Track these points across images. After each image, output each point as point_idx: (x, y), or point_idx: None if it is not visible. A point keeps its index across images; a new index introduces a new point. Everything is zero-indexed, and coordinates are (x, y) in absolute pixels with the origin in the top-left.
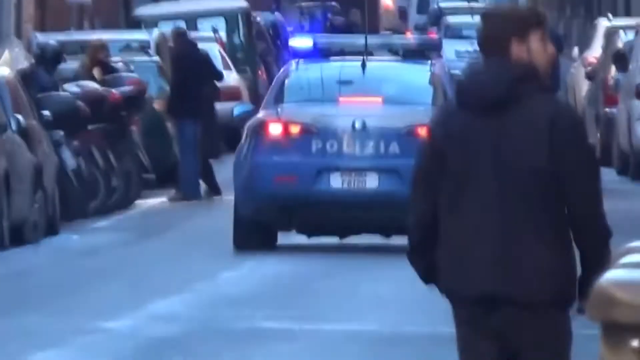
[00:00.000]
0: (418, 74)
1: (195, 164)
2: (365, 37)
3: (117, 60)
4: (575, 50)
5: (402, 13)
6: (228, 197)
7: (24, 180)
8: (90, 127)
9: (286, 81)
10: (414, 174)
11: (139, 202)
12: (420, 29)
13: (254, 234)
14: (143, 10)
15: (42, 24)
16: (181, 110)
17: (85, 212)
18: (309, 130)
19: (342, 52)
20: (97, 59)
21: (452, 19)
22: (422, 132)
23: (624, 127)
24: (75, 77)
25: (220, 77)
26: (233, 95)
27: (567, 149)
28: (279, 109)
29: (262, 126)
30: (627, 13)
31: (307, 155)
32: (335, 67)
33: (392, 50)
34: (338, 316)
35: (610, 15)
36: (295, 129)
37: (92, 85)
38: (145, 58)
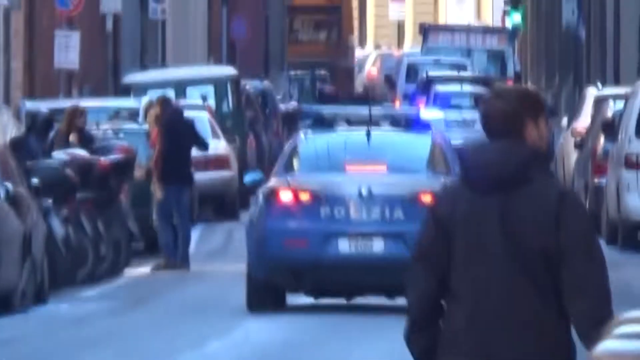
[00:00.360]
0: (420, 143)
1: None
2: (370, 109)
3: (105, 128)
4: (565, 119)
5: (390, 81)
6: (215, 266)
7: (12, 248)
8: (78, 195)
9: (295, 151)
10: (416, 252)
11: (127, 270)
12: (409, 98)
13: (265, 296)
14: (132, 78)
15: (30, 90)
16: (177, 177)
17: (73, 281)
18: (317, 197)
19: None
20: (74, 124)
21: (441, 88)
22: (426, 198)
23: (613, 197)
24: (51, 143)
25: (206, 147)
26: (221, 163)
27: (571, 231)
28: (289, 177)
29: (273, 193)
30: (617, 81)
31: (316, 221)
32: (341, 137)
33: (394, 122)
34: None
35: (599, 83)
36: (304, 196)
37: (80, 153)
38: (134, 126)
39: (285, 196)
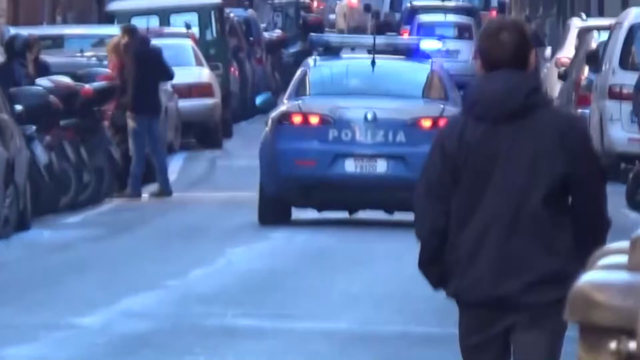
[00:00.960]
0: (420, 71)
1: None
2: (374, 38)
3: (90, 55)
4: (548, 50)
5: (371, 11)
6: (198, 194)
7: None
8: (62, 122)
9: (305, 77)
10: (424, 185)
11: (110, 198)
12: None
13: (275, 211)
14: (116, 5)
15: (14, 18)
16: (149, 107)
17: (56, 208)
18: (326, 120)
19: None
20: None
21: (425, 18)
22: (425, 123)
23: (596, 128)
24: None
25: (171, 77)
26: (205, 91)
27: (578, 155)
28: (300, 102)
29: (285, 116)
30: (601, 13)
31: (325, 143)
32: (348, 64)
33: (397, 51)
34: (310, 314)
35: (583, 15)
36: (314, 120)
37: (64, 79)
38: None
39: (297, 119)
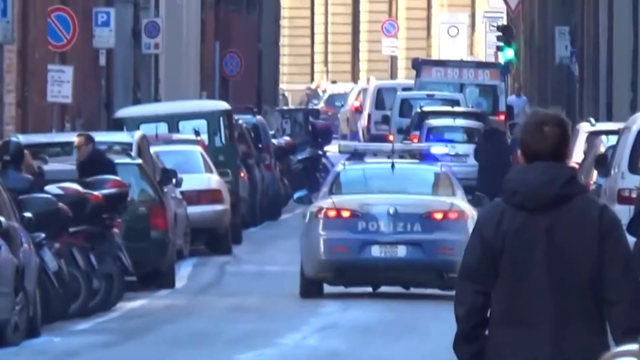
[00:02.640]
0: (431, 173)
1: None
2: (393, 145)
3: None
4: None
5: (358, 111)
6: (207, 300)
7: (5, 282)
8: (71, 229)
9: (337, 178)
10: (464, 271)
11: (120, 304)
12: (403, 132)
13: (312, 288)
14: (124, 112)
15: (23, 125)
16: None
17: (66, 314)
18: (355, 214)
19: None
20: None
21: (434, 122)
22: (437, 216)
23: None
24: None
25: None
26: (214, 197)
27: (611, 245)
28: (333, 199)
29: (321, 211)
30: (609, 118)
31: (355, 233)
32: (372, 167)
33: (411, 155)
34: None
35: (592, 119)
36: (346, 214)
37: (73, 186)
38: (127, 160)
39: (331, 213)
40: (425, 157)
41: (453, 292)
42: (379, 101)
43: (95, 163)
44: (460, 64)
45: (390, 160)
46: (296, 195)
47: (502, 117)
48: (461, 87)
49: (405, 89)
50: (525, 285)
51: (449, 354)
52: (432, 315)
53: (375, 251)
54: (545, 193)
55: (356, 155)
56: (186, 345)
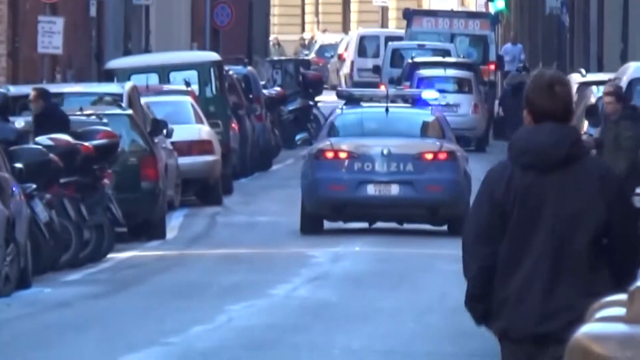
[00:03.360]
0: (422, 116)
1: None
2: (387, 91)
3: (89, 113)
4: None
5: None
6: (198, 251)
7: None
8: (62, 179)
9: (334, 121)
10: (473, 228)
11: (111, 255)
12: (395, 82)
13: (312, 223)
14: (115, 63)
15: (14, 76)
16: None
17: (57, 265)
18: (352, 155)
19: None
20: None
21: (425, 73)
22: (427, 156)
23: None
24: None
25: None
26: (205, 148)
27: (614, 200)
28: (331, 141)
29: (320, 152)
30: (600, 68)
31: (352, 172)
32: (367, 111)
33: (404, 100)
34: None
35: (583, 70)
36: (343, 155)
37: (64, 137)
38: (118, 111)
39: (329, 154)
40: (417, 102)
41: (444, 228)
42: (362, 49)
43: (49, 117)
44: (451, 14)
45: (384, 105)
46: (298, 136)
47: (493, 67)
48: (452, 37)
49: (388, 37)
50: (530, 243)
51: (440, 304)
52: (423, 267)
53: (371, 189)
54: (554, 153)
55: (352, 100)
56: (177, 296)
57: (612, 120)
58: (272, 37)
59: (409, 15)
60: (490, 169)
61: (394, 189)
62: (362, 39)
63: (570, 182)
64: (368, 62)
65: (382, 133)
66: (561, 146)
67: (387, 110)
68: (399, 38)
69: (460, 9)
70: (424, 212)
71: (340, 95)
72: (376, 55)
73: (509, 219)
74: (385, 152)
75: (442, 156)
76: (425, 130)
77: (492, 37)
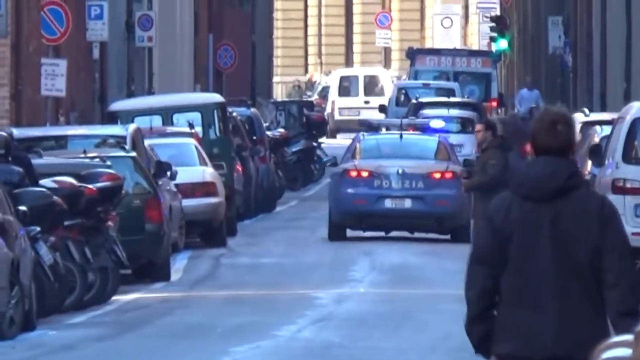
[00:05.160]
0: (431, 142)
1: None
2: (401, 121)
3: (93, 156)
4: None
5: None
6: (202, 293)
7: (0, 276)
8: (66, 222)
9: (357, 145)
10: (475, 256)
11: (115, 297)
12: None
13: (338, 232)
14: (118, 105)
15: (17, 118)
16: None
17: (61, 308)
18: (372, 174)
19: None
20: None
21: (429, 113)
22: (436, 175)
23: None
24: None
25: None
26: (208, 190)
27: (610, 232)
28: (355, 162)
29: (346, 172)
30: (603, 108)
31: (372, 189)
32: (385, 137)
33: (416, 128)
34: None
35: (586, 110)
36: (365, 174)
37: (68, 180)
38: (121, 153)
39: (353, 174)
40: (426, 130)
41: (448, 237)
42: (342, 89)
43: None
44: (454, 53)
45: (399, 132)
46: (325, 159)
47: (494, 104)
48: (455, 75)
49: (366, 77)
50: (531, 270)
51: (444, 345)
52: (427, 307)
53: (388, 203)
54: (549, 185)
55: (372, 128)
56: (182, 337)
57: (481, 148)
58: (293, 79)
59: (412, 54)
60: (494, 199)
61: (407, 203)
62: (342, 80)
63: (567, 211)
64: (348, 101)
65: (397, 156)
66: (557, 178)
67: (401, 136)
68: (374, 77)
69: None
70: (432, 222)
71: (361, 124)
72: (356, 94)
73: (507, 246)
74: (400, 171)
75: (448, 175)
76: (433, 153)
77: (494, 74)
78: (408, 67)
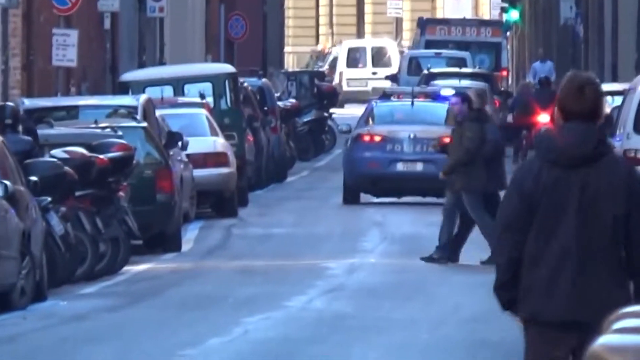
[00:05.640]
0: (441, 109)
1: None
2: (412, 88)
3: (104, 126)
4: None
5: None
6: (214, 263)
7: (11, 246)
8: (77, 192)
9: (371, 111)
10: (503, 219)
11: (127, 268)
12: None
13: (352, 195)
14: (130, 76)
15: (28, 89)
16: None
17: (72, 278)
18: (385, 138)
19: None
20: None
21: (440, 83)
22: (446, 140)
23: None
24: None
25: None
26: (220, 160)
27: (635, 195)
28: (368, 127)
29: (359, 136)
30: (614, 78)
31: (385, 152)
32: (397, 104)
33: (427, 95)
34: None
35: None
36: (378, 138)
37: (79, 150)
38: (132, 123)
39: (367, 138)
40: (436, 97)
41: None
42: (350, 60)
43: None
44: (463, 22)
45: (410, 99)
46: (340, 126)
47: (505, 73)
48: (466, 44)
49: (374, 48)
50: (555, 234)
51: (454, 315)
52: (437, 278)
53: (400, 167)
54: (578, 152)
55: (385, 96)
56: (193, 308)
57: (457, 121)
58: (310, 49)
59: (422, 23)
60: (519, 165)
61: (419, 166)
62: (350, 51)
63: (595, 177)
64: (356, 72)
65: (409, 121)
66: (586, 144)
67: (412, 103)
68: (382, 49)
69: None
70: (442, 185)
71: (374, 92)
72: (364, 65)
73: (535, 212)
74: (411, 136)
75: None
76: (443, 119)
77: (504, 44)
78: (418, 36)
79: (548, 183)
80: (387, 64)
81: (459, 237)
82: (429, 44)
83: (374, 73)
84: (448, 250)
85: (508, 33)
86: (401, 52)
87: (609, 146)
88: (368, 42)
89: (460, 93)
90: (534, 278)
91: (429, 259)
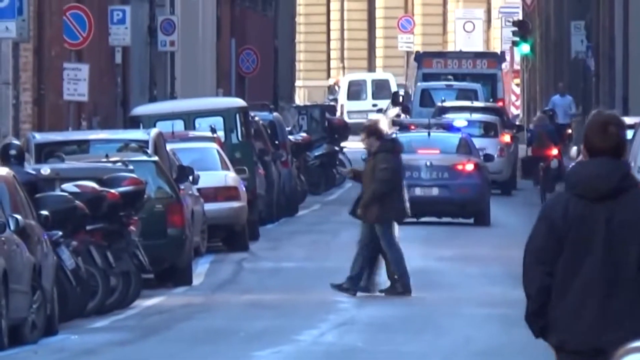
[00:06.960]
0: (454, 138)
1: None
2: (429, 120)
3: (115, 160)
4: (574, 149)
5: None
6: (225, 297)
7: (22, 280)
8: (88, 226)
9: None
10: (532, 251)
11: (137, 301)
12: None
13: None
14: (140, 110)
15: (39, 123)
16: None
17: (83, 312)
18: (405, 166)
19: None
20: None
21: (452, 116)
22: (459, 167)
23: None
24: None
25: None
26: (231, 194)
27: None
28: None
29: None
30: (625, 112)
31: (404, 179)
32: (415, 135)
33: (441, 127)
34: None
35: None
36: None
37: (90, 184)
38: (143, 157)
39: None
40: (450, 128)
41: (471, 221)
42: (351, 93)
43: None
44: (459, 55)
45: (427, 130)
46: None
47: (501, 104)
48: (462, 77)
49: (374, 81)
50: (582, 266)
51: (465, 348)
52: (448, 311)
53: (418, 191)
54: (604, 185)
55: (403, 127)
56: (204, 342)
57: (371, 152)
58: (332, 81)
59: (419, 57)
60: (549, 198)
61: (435, 191)
62: (350, 84)
63: (620, 210)
64: (357, 104)
65: (426, 150)
66: (611, 178)
67: (429, 134)
68: (385, 82)
69: (484, 50)
70: (456, 208)
71: (394, 123)
72: (364, 98)
73: (563, 243)
74: (428, 164)
75: (469, 167)
76: (456, 148)
77: (499, 75)
78: (415, 70)
79: (575, 216)
80: (388, 97)
81: (372, 267)
82: (426, 77)
83: (374, 105)
84: (359, 282)
85: (503, 64)
86: (399, 85)
87: (634, 180)
88: (368, 75)
89: (366, 127)
90: (561, 308)
91: (339, 287)
